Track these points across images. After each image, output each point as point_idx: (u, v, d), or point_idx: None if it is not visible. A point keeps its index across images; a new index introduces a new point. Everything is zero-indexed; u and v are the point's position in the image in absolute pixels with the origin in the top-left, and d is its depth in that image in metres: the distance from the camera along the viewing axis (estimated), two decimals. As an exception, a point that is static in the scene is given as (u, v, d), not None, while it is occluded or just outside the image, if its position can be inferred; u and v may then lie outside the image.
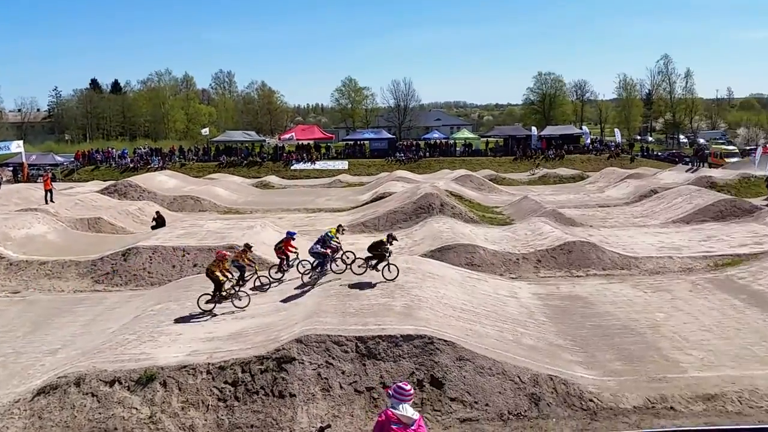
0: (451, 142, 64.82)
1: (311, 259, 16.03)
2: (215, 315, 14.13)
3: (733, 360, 12.09)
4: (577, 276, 19.41)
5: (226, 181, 46.92)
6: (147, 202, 33.39)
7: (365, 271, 15.66)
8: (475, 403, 10.46)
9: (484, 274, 18.99)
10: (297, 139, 61.95)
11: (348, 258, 16.30)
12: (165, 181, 43.37)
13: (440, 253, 20.38)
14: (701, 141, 70.61)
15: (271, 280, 16.38)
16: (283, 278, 16.59)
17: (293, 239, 17.07)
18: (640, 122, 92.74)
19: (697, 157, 48.27)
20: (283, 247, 16.81)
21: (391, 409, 5.64)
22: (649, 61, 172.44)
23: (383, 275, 15.39)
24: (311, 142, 62.20)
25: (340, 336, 11.63)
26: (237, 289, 14.73)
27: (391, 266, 15.50)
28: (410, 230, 25.96)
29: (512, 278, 19.25)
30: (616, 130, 71.17)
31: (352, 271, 15.90)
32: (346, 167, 56.62)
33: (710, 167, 46.71)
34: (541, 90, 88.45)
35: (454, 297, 15.15)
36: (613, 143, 63.82)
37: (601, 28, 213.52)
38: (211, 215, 33.16)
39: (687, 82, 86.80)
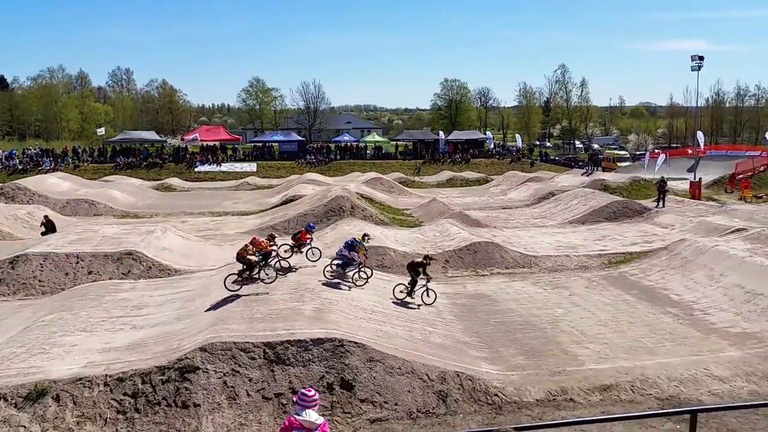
0: (362, 145, 65.09)
1: (337, 261, 16.41)
2: (239, 296, 14.32)
3: (626, 352, 12.89)
4: (483, 275, 20.03)
5: (124, 184, 44.48)
6: (38, 206, 31.00)
7: (405, 296, 15.76)
8: (385, 403, 10.50)
9: (395, 276, 19.14)
10: (201, 140, 59.81)
11: (366, 273, 16.43)
12: (57, 183, 40.50)
13: (350, 256, 20.34)
14: (595, 146, 75.38)
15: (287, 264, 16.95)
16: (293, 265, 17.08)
17: (310, 232, 18.12)
18: (539, 128, 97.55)
19: (591, 161, 51.50)
20: (300, 237, 17.74)
21: (294, 416, 5.60)
22: (547, 71, 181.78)
23: (422, 300, 15.66)
24: (217, 143, 60.29)
25: (247, 343, 11.31)
26: (264, 270, 15.29)
27: (429, 291, 15.82)
28: (321, 233, 25.74)
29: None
30: (517, 135, 74.36)
31: (354, 283, 15.97)
32: (255, 169, 55.38)
33: (604, 171, 49.93)
34: (448, 96, 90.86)
35: (364, 299, 15.15)
36: (514, 148, 66.59)
37: (504, 38, 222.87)
38: (107, 219, 31.32)
39: (582, 91, 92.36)
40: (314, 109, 79.85)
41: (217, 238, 25.71)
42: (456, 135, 67.98)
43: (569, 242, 24.44)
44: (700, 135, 52.91)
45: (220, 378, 10.71)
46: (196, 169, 54.83)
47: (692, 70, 44.50)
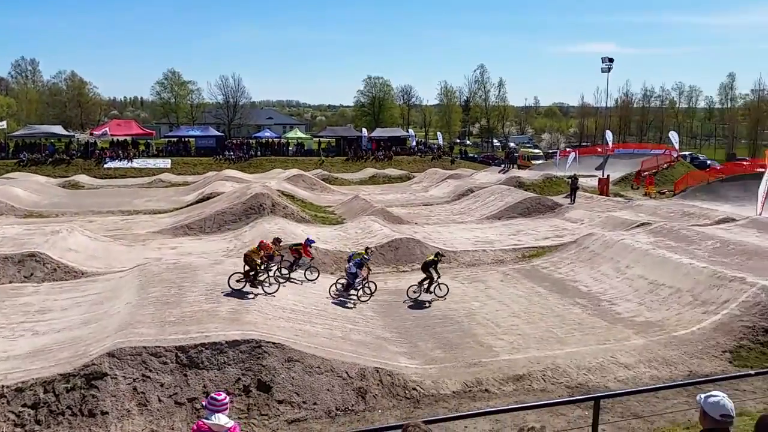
0: (284, 141, 64.12)
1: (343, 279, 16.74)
2: (246, 294, 14.26)
3: (539, 342, 13.38)
4: (404, 271, 20.21)
5: (28, 181, 41.62)
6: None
7: (419, 294, 16.62)
8: (304, 403, 10.36)
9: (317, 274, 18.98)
10: (112, 135, 56.86)
11: (370, 288, 16.80)
12: (-50, 181, 37.39)
13: (270, 254, 19.99)
14: (512, 145, 77.94)
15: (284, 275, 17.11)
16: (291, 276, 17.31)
17: (310, 246, 18.35)
18: (460, 127, 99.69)
19: (508, 159, 53.15)
20: (301, 250, 17.87)
21: (203, 420, 5.43)
22: (467, 71, 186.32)
23: (435, 294, 16.69)
24: (128, 138, 57.52)
25: (158, 347, 10.84)
26: (269, 275, 15.41)
27: (441, 285, 16.83)
28: (239, 232, 25.16)
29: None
30: (438, 133, 75.68)
31: (359, 300, 16.28)
32: (169, 166, 53.22)
33: (519, 168, 51.63)
34: (371, 93, 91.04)
35: (284, 298, 14.92)
36: (436, 146, 67.72)
37: (426, 37, 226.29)
38: (8, 219, 29.18)
39: (500, 91, 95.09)
40: (234, 103, 77.52)
41: (127, 238, 24.54)
42: (379, 132, 68.29)
43: (486, 237, 25.14)
44: (608, 134, 55.77)
45: (129, 384, 10.23)
46: (105, 166, 52.03)
47: (602, 71, 46.81)
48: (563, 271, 19.65)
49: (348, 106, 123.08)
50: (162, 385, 10.31)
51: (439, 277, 16.92)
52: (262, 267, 15.14)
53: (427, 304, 16.28)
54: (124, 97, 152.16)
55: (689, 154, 59.00)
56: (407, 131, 75.75)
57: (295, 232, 23.31)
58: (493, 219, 29.87)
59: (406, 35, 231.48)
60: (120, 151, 54.54)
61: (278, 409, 10.23)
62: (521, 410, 9.01)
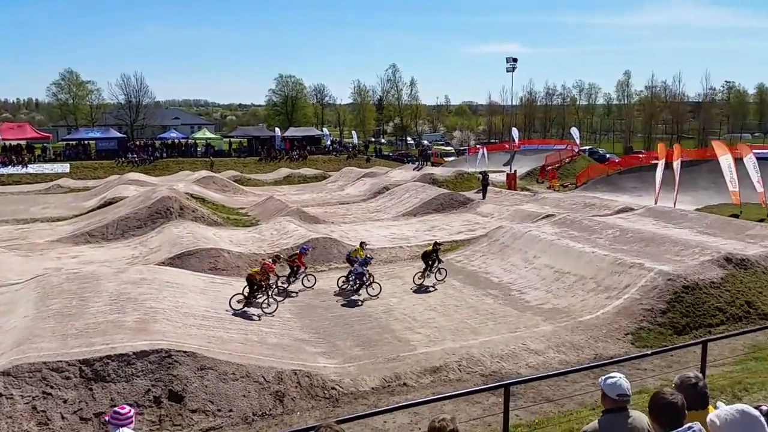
0: (191, 141, 61.98)
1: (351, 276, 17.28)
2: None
3: (454, 334, 13.68)
4: (321, 270, 20.06)
5: None
6: None
7: (423, 280, 18.02)
8: (218, 410, 10.04)
9: (230, 278, 18.47)
10: (3, 140, 52.93)
11: (378, 286, 17.25)
12: None
13: (180, 260, 19.23)
14: (425, 143, 79.27)
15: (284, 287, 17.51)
16: (289, 288, 17.60)
17: (305, 254, 18.64)
18: (374, 125, 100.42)
19: (421, 156, 54.10)
20: (296, 259, 18.05)
21: None
22: (379, 70, 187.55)
23: (435, 278, 18.16)
24: (22, 142, 53.71)
25: (60, 362, 10.16)
26: (268, 295, 15.53)
27: (441, 270, 18.40)
28: (145, 238, 24.08)
29: (258, 279, 19.11)
30: (353, 132, 75.90)
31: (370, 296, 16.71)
32: (68, 170, 50.15)
33: (432, 166, 52.69)
34: (284, 92, 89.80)
35: (195, 305, 14.40)
36: (351, 144, 67.87)
37: (339, 36, 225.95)
38: None
39: (412, 90, 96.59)
40: (136, 103, 74.00)
41: (23, 248, 22.87)
42: (293, 131, 67.56)
43: (403, 234, 25.45)
44: (514, 131, 58.03)
45: (28, 403, 9.52)
46: (-3, 172, 48.36)
47: (507, 71, 48.68)
48: (476, 264, 20.22)
49: (260, 106, 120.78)
50: (65, 402, 9.67)
51: (441, 262, 18.57)
52: (263, 287, 15.39)
53: (348, 304, 16.26)
54: (17, 99, 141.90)
55: (589, 149, 62.34)
56: (321, 130, 75.47)
57: (206, 236, 22.59)
58: (409, 215, 30.30)
59: (317, 33, 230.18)
60: (13, 156, 50.80)
61: (192, 418, 9.85)
62: (437, 401, 9.16)
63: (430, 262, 18.20)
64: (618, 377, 4.13)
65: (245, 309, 14.76)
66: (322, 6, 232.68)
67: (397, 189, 36.00)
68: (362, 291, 16.88)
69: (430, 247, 18.85)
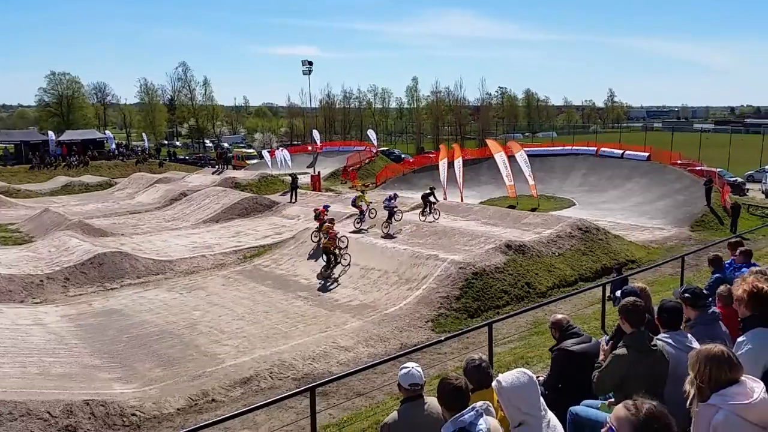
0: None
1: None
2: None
3: (264, 341, 13.34)
4: (112, 288, 18.30)
5: None
6: None
7: (425, 217, 23.94)
8: (-9, 462, 8.56)
9: (0, 305, 16.01)
10: None
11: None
12: None
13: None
14: (225, 145, 76.68)
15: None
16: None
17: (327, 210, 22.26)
18: (166, 127, 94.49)
19: (221, 159, 52.11)
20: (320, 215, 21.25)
21: None
22: (169, 68, 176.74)
23: (433, 217, 24.04)
24: None
25: None
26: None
27: (436, 210, 24.44)
28: None
29: (36, 303, 16.83)
30: (142, 134, 70.66)
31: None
32: None
33: (234, 169, 51.14)
34: (57, 91, 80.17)
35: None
36: (140, 148, 63.09)
37: (121, 30, 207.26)
38: None
39: (206, 90, 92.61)
40: None
41: None
42: (70, 135, 60.73)
43: (204, 242, 24.26)
44: (315, 133, 58.85)
45: None
46: None
47: (304, 74, 49.13)
48: (284, 267, 20.00)
49: (29, 106, 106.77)
50: None
51: (437, 201, 24.96)
52: (337, 250, 18.67)
53: (144, 323, 14.97)
54: None
55: (386, 150, 65.60)
56: (104, 133, 68.88)
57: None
58: (211, 222, 28.98)
59: (93, 27, 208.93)
60: None
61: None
62: (247, 413, 8.77)
63: (428, 203, 23.95)
64: (410, 367, 4.19)
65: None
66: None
67: (197, 194, 34.21)
68: (391, 226, 21.79)
69: (428, 190, 24.96)
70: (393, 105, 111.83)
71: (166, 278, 19.27)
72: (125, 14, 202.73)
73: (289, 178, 36.25)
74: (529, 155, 34.98)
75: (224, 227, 27.68)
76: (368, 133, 58.98)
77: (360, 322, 14.34)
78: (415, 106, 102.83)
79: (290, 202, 33.38)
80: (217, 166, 49.59)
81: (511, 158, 33.82)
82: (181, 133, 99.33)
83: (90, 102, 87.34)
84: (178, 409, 10.30)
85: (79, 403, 9.91)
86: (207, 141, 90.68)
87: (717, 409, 2.92)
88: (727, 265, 8.52)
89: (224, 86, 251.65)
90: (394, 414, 4.16)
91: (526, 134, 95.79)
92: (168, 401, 10.43)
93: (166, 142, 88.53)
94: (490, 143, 37.21)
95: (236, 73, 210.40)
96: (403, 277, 16.73)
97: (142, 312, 15.77)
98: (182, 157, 69.13)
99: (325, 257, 18.82)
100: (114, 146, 62.23)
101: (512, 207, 29.18)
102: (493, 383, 3.40)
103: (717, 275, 8.07)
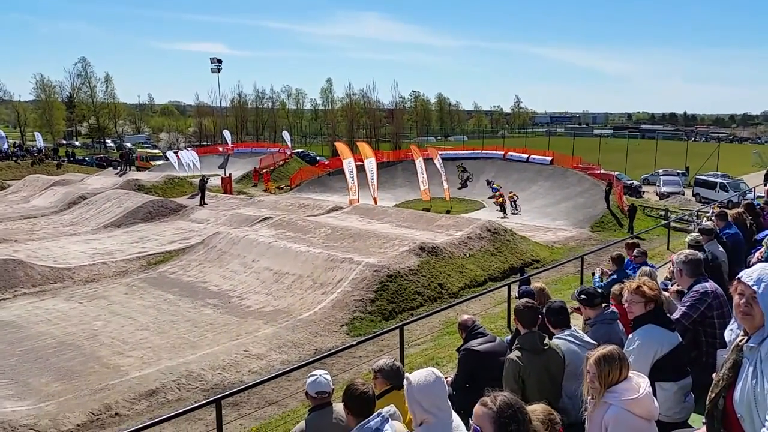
0: None
1: None
2: None
3: (170, 351, 12.81)
4: (4, 299, 16.99)
5: None
6: None
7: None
8: None
9: None
10: None
11: None
12: None
13: None
14: (128, 145, 73.05)
15: None
16: None
17: None
18: (65, 126, 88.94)
19: (124, 160, 49.63)
20: None
21: None
22: (68, 63, 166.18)
23: None
24: None
25: None
26: None
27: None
28: None
29: None
30: (37, 134, 66.11)
31: None
32: None
33: (138, 170, 48.89)
34: (-63, 85, 73.65)
35: None
36: (35, 148, 59.00)
37: (13, 23, 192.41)
38: None
39: (107, 87, 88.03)
40: None
41: None
42: (-47, 134, 55.88)
43: (106, 248, 23.02)
44: (226, 133, 57.41)
45: None
46: None
47: (212, 71, 47.75)
48: (192, 274, 19.34)
49: None
50: None
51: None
52: None
53: (40, 335, 13.99)
54: None
55: (301, 151, 64.99)
56: (-5, 132, 63.90)
57: None
58: (112, 227, 27.53)
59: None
60: None
61: None
62: (153, 426, 8.42)
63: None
64: (318, 375, 4.17)
65: None
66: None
67: (97, 197, 32.36)
68: None
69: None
70: (308, 106, 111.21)
71: (65, 287, 18.10)
72: (18, 7, 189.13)
73: (198, 180, 35.12)
74: (443, 158, 35.89)
75: (127, 232, 26.38)
76: (283, 134, 58.20)
77: (273, 328, 14.11)
78: (330, 107, 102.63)
79: (199, 205, 32.32)
80: (119, 168, 47.26)
81: (427, 161, 34.55)
82: (81, 133, 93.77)
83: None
84: (78, 425, 9.73)
85: (-39, 425, 9.16)
86: (108, 141, 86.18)
87: (608, 406, 3.14)
88: (627, 263, 9.10)
89: (127, 83, 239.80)
90: (302, 424, 4.13)
91: (439, 137, 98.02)
92: (67, 417, 9.82)
93: (64, 141, 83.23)
94: (413, 148, 37.86)
95: (140, 69, 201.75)
96: (317, 282, 16.63)
97: (38, 323, 14.72)
98: (82, 158, 65.26)
99: None
100: (5, 146, 57.77)
101: (426, 209, 29.80)
102: (404, 383, 3.46)
103: (613, 276, 8.60)
